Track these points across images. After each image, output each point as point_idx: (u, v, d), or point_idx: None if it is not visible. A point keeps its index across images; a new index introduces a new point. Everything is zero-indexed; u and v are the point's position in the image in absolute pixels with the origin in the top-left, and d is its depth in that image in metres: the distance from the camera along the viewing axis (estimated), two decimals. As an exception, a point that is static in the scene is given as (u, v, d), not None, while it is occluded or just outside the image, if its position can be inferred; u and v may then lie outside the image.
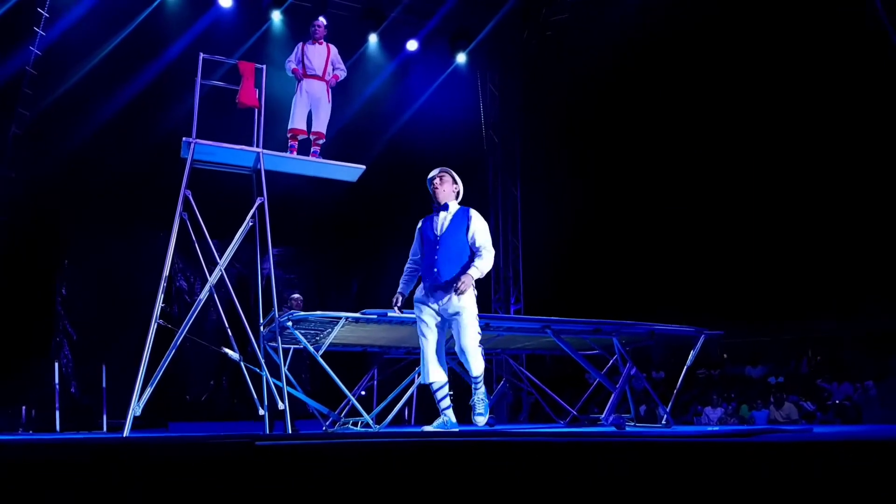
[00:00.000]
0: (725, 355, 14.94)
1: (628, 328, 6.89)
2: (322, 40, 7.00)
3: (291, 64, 6.92)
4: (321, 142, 6.88)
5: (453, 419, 4.85)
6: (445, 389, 4.90)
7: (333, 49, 7.00)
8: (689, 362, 7.47)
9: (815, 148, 12.26)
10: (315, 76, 6.82)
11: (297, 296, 8.82)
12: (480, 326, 4.81)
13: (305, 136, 6.86)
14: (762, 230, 13.21)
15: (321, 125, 6.85)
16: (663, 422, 7.15)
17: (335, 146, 8.65)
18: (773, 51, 12.03)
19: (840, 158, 12.05)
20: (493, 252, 4.86)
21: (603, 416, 6.66)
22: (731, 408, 12.50)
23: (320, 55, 6.88)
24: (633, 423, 7.57)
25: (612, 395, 6.67)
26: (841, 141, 11.95)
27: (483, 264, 4.76)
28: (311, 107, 6.83)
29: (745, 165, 13.11)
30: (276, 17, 11.33)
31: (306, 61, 6.84)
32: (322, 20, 7.10)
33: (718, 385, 13.69)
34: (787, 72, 12.03)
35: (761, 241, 13.24)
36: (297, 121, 6.78)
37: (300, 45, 6.99)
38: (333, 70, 6.95)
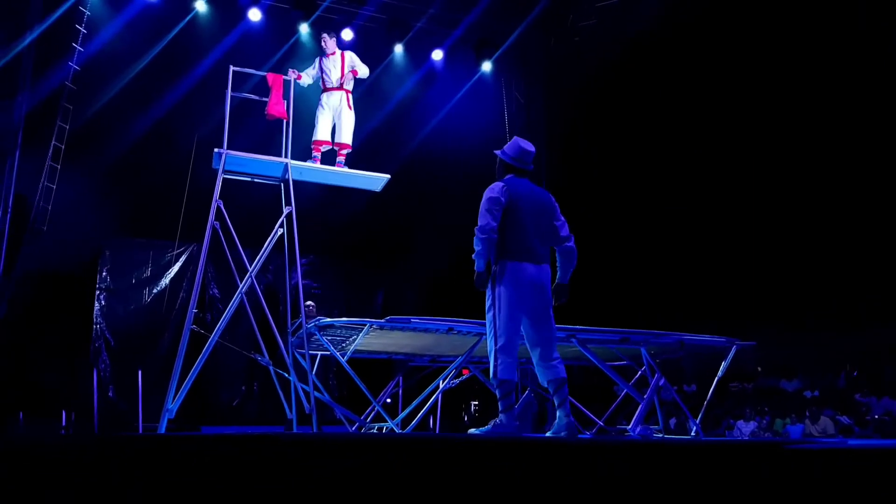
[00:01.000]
0: (759, 368, 14.66)
1: (657, 338, 6.81)
2: (335, 50, 7.06)
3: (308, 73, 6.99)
4: (346, 152, 6.98)
5: (510, 421, 4.24)
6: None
7: (349, 55, 7.05)
8: (720, 374, 7.36)
9: (853, 154, 12.04)
10: (333, 88, 6.94)
11: (310, 303, 8.89)
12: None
13: (329, 147, 6.97)
14: (801, 239, 12.96)
15: (346, 136, 6.95)
16: (693, 434, 7.06)
17: (360, 155, 8.77)
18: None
19: (869, 167, 11.82)
20: (478, 230, 4.25)
21: (630, 427, 6.60)
22: (764, 422, 12.27)
23: (335, 66, 6.99)
24: (661, 435, 7.49)
25: (640, 407, 6.61)
26: (874, 144, 11.73)
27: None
28: (334, 118, 6.95)
29: (780, 170, 12.89)
30: (304, 29, 11.56)
31: (324, 75, 6.96)
32: (326, 35, 7.11)
33: (752, 398, 13.45)
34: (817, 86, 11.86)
35: (797, 250, 12.99)
36: (321, 132, 6.89)
37: (318, 59, 7.11)
38: (351, 71, 7.01)
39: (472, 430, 4.49)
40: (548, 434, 4.32)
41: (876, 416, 11.65)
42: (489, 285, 4.28)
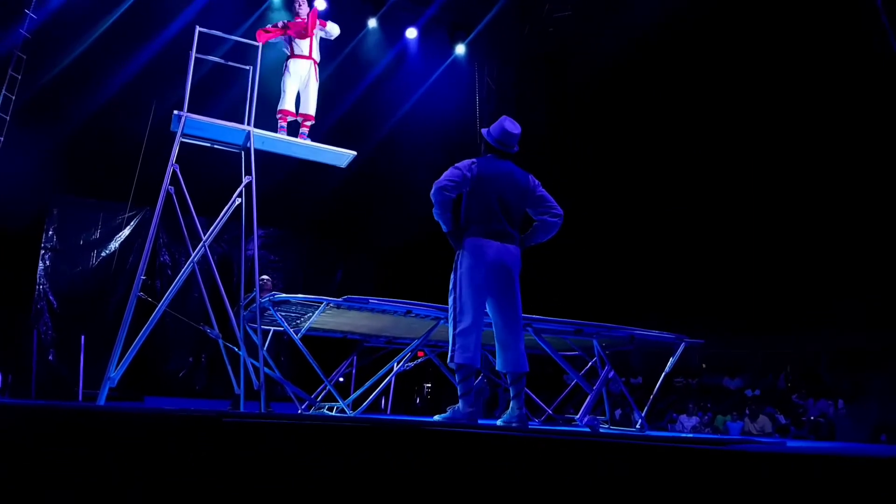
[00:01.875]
0: (704, 365, 15.05)
1: (609, 331, 6.91)
2: (303, 16, 6.85)
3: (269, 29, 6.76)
4: (310, 123, 6.83)
5: (465, 407, 4.15)
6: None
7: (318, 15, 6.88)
8: (667, 369, 7.51)
9: (798, 167, 12.38)
10: (302, 55, 6.75)
11: (265, 277, 8.72)
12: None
13: (295, 118, 6.82)
14: (748, 244, 13.32)
15: (310, 107, 6.80)
16: (637, 426, 7.19)
17: (331, 132, 8.61)
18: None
19: (820, 178, 12.17)
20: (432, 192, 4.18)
21: (578, 416, 6.68)
22: (706, 417, 12.61)
23: (305, 31, 6.78)
24: (607, 426, 7.61)
25: (589, 397, 6.69)
26: (825, 161, 12.07)
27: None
28: (300, 88, 6.78)
29: (730, 178, 13.20)
30: (276, -4, 11.30)
31: (293, 42, 6.78)
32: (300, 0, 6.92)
33: (695, 394, 13.80)
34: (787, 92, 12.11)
35: (746, 255, 13.35)
36: (288, 102, 6.72)
37: (283, 21, 6.89)
38: (320, 21, 6.79)
39: (435, 418, 4.39)
40: (499, 422, 4.25)
41: (812, 418, 12.08)
42: (454, 265, 4.18)
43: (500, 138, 4.34)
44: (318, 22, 6.80)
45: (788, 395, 13.17)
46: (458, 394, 4.16)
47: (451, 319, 4.14)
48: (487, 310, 4.20)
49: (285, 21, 6.87)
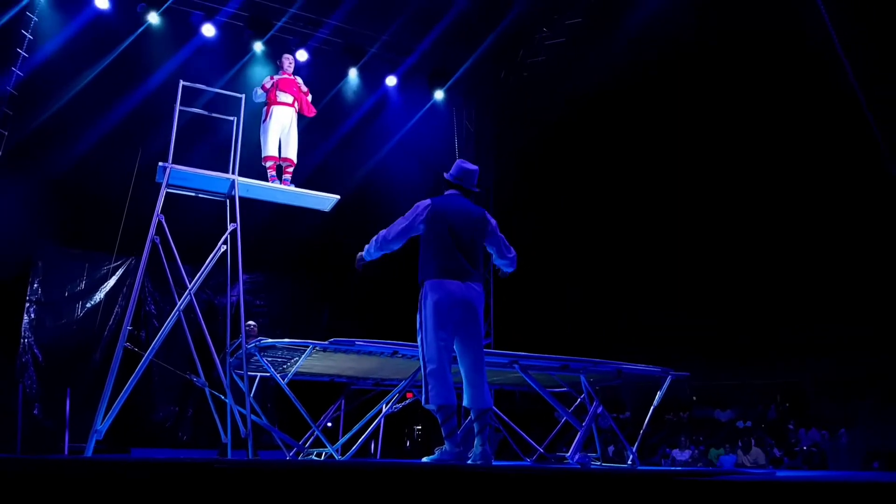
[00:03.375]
0: (695, 398, 15.06)
1: (595, 366, 6.94)
2: (290, 73, 7.15)
3: (265, 86, 7.00)
4: (292, 169, 6.98)
5: (452, 447, 4.18)
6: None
7: (301, 83, 7.19)
8: (655, 403, 7.53)
9: (778, 188, 12.67)
10: (284, 103, 6.94)
11: (251, 323, 8.73)
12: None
13: (278, 163, 6.95)
14: (734, 275, 13.50)
15: (291, 152, 6.97)
16: (629, 462, 7.18)
17: (314, 177, 8.72)
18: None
19: (803, 208, 12.45)
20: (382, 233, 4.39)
21: (569, 454, 6.67)
22: (698, 451, 12.58)
23: (290, 86, 7.03)
24: (599, 463, 7.59)
25: (579, 434, 6.69)
26: (809, 192, 12.36)
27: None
28: (281, 133, 6.94)
29: (716, 209, 13.46)
30: (258, 48, 11.51)
31: (277, 90, 6.98)
32: (291, 56, 7.27)
33: (687, 427, 13.77)
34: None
35: (732, 286, 13.52)
36: (271, 148, 6.87)
37: (270, 77, 7.14)
38: (304, 94, 7.11)
39: (424, 459, 4.38)
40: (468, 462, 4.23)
41: (804, 448, 12.08)
42: (419, 307, 4.25)
43: (459, 175, 4.48)
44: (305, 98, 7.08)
45: (779, 425, 13.19)
46: (443, 435, 4.15)
47: (421, 360, 4.19)
48: (455, 348, 4.24)
49: (273, 80, 7.05)
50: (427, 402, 4.10)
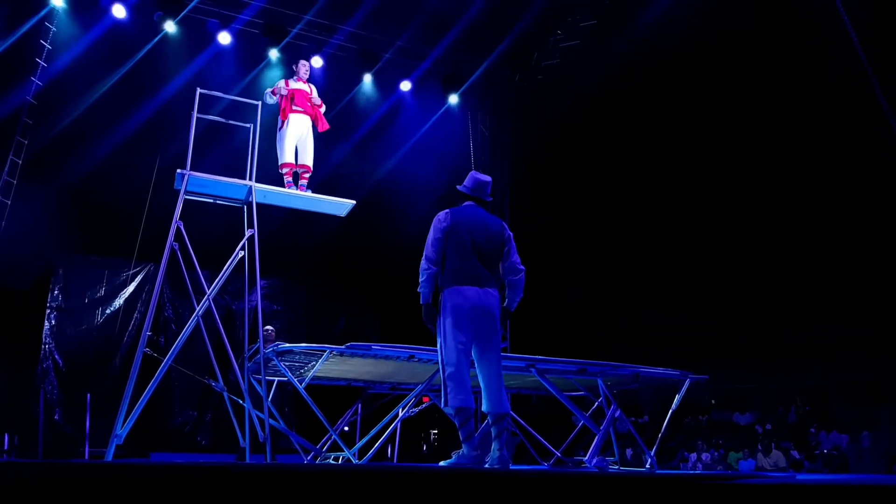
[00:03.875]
0: (713, 401, 14.93)
1: (613, 370, 6.89)
2: (305, 79, 7.12)
3: (278, 93, 6.96)
4: (308, 175, 6.98)
5: (470, 451, 4.23)
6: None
7: (314, 90, 7.15)
8: (673, 406, 7.46)
9: (804, 193, 12.53)
10: (301, 111, 6.94)
11: (269, 327, 8.77)
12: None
13: (295, 169, 6.96)
14: (755, 279, 13.38)
15: (308, 159, 6.96)
16: (647, 465, 7.13)
17: (329, 182, 8.75)
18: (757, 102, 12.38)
19: (823, 208, 12.31)
20: (424, 261, 4.36)
21: (587, 458, 6.63)
22: (717, 454, 12.45)
23: (303, 101, 6.99)
24: (616, 466, 7.54)
25: (596, 438, 6.65)
26: (830, 193, 12.23)
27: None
28: (298, 141, 6.94)
29: (736, 209, 13.35)
30: (274, 55, 11.59)
31: (293, 97, 6.95)
32: (307, 62, 7.22)
33: (706, 431, 13.65)
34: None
35: (752, 290, 13.39)
36: (288, 155, 6.88)
37: (285, 81, 7.09)
38: (318, 107, 7.09)
39: (441, 463, 4.41)
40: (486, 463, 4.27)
41: (825, 451, 11.93)
42: (439, 312, 4.30)
43: (473, 186, 4.58)
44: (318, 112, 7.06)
45: (799, 428, 13.04)
46: (461, 438, 4.19)
47: (440, 363, 4.27)
48: (473, 352, 4.30)
49: (288, 88, 7.00)
50: (446, 404, 4.16)
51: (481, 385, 4.32)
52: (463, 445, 4.19)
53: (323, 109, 7.17)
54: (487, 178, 4.66)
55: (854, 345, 12.19)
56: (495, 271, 4.41)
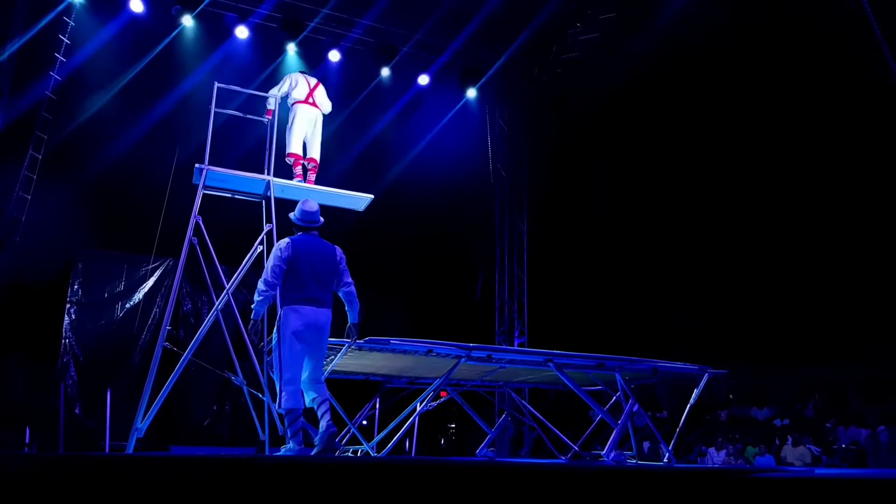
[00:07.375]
0: (731, 396, 14.83)
1: (631, 364, 6.86)
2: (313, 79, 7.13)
3: (280, 91, 6.94)
4: (315, 168, 6.96)
5: (296, 445, 4.89)
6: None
7: (321, 86, 7.14)
8: (692, 401, 7.42)
9: (824, 195, 12.38)
10: (309, 103, 6.91)
11: None
12: (482, 357, 4.79)
13: (303, 161, 6.94)
14: (772, 274, 13.25)
15: (316, 152, 6.94)
16: (665, 459, 7.09)
17: (347, 175, 8.75)
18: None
19: (842, 207, 12.16)
20: (261, 283, 4.96)
21: (604, 452, 6.61)
22: (735, 449, 12.37)
23: (311, 85, 6.98)
24: (634, 460, 7.51)
25: (614, 432, 6.62)
26: (849, 192, 12.08)
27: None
28: (307, 132, 6.92)
29: (755, 206, 13.20)
30: (291, 49, 11.59)
31: (301, 89, 6.92)
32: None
33: (724, 426, 13.56)
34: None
35: (770, 285, 13.27)
36: (295, 145, 6.85)
37: (292, 75, 7.06)
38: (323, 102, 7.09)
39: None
40: (315, 440, 4.85)
41: (843, 445, 11.81)
42: (276, 327, 4.95)
43: (303, 217, 5.14)
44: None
45: (818, 423, 12.91)
46: (288, 436, 4.85)
47: (276, 370, 4.91)
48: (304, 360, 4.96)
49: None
50: (280, 406, 4.86)
51: (308, 379, 4.97)
52: (290, 441, 4.85)
53: (327, 109, 7.11)
54: (314, 206, 5.20)
55: (872, 339, 12.05)
56: (329, 291, 5.09)
